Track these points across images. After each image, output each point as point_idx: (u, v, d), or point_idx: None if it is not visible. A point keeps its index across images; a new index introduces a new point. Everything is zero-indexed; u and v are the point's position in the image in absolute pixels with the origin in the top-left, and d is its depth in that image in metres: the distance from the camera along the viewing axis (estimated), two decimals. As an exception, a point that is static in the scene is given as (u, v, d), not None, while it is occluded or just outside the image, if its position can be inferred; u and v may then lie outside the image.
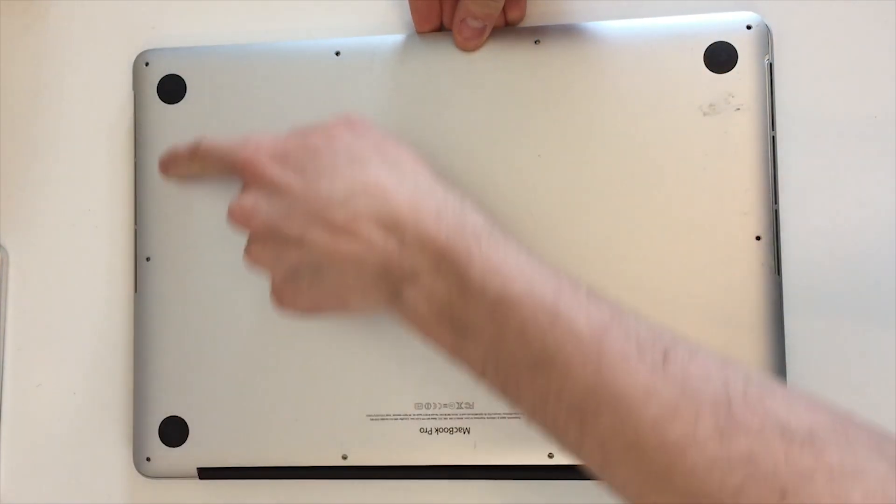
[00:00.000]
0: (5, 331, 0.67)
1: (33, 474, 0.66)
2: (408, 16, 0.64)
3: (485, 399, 0.60)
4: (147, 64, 0.65)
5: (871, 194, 0.61)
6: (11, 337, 0.67)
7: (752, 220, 0.58)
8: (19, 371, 0.67)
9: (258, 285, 0.62)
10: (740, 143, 0.59)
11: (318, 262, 0.53)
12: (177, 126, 0.64)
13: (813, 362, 0.60)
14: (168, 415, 0.62)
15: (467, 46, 0.62)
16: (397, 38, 0.63)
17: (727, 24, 0.60)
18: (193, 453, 0.62)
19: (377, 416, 0.60)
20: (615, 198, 0.60)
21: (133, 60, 0.66)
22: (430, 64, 0.62)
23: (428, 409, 0.60)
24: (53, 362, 0.67)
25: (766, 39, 0.60)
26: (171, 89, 0.64)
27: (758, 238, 0.58)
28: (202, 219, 0.63)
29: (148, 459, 0.63)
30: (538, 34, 0.62)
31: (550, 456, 0.59)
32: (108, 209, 0.67)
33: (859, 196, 0.61)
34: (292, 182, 0.54)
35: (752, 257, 0.58)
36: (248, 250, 0.56)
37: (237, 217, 0.55)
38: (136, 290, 0.64)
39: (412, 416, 0.60)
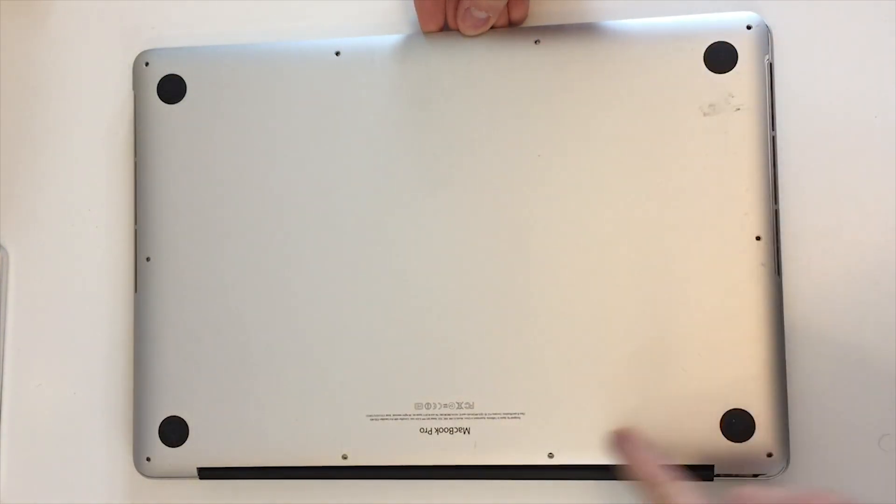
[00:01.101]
0: (5, 331, 0.67)
1: (33, 474, 0.66)
2: (409, 15, 0.64)
3: (485, 399, 0.60)
4: (147, 64, 0.65)
5: (871, 194, 0.61)
6: (11, 337, 0.67)
7: (752, 220, 0.58)
8: (19, 371, 0.67)
9: (258, 285, 0.62)
10: (740, 143, 0.59)
11: None
12: (177, 126, 0.64)
13: (813, 362, 0.60)
14: (168, 415, 0.62)
15: (469, 33, 0.62)
16: (398, 37, 0.63)
17: (727, 24, 0.60)
18: (193, 453, 0.62)
19: (377, 416, 0.60)
20: (615, 198, 0.60)
21: (133, 60, 0.66)
22: (430, 64, 0.62)
23: (428, 409, 0.60)
24: (53, 362, 0.67)
25: (766, 39, 0.60)
26: (171, 89, 0.64)
27: (758, 238, 0.58)
28: (202, 219, 0.63)
29: (148, 459, 0.63)
30: (538, 34, 0.62)
31: (550, 456, 0.59)
32: (108, 209, 0.67)
33: (859, 196, 0.61)
34: None
35: (752, 257, 0.58)
36: None
37: None
38: (136, 290, 0.64)
39: (412, 417, 0.60)
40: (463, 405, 0.60)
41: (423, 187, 0.61)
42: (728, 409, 0.57)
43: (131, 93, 0.66)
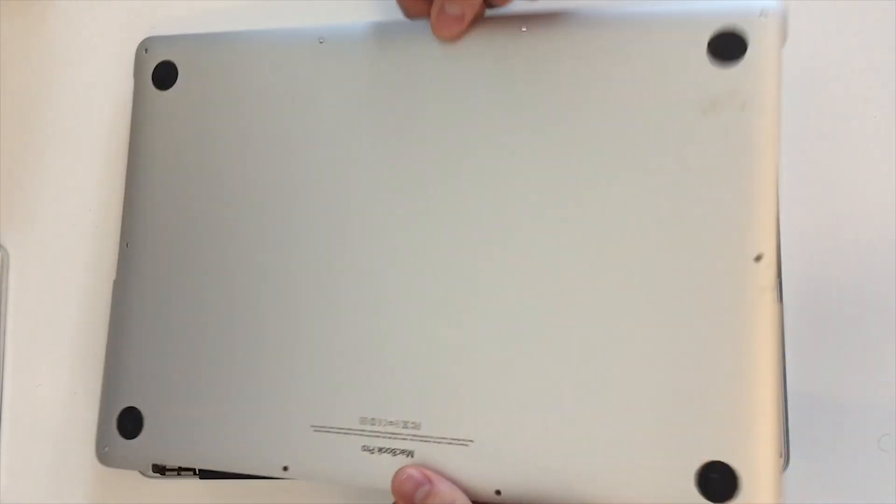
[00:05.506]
0: (5, 331, 0.68)
1: (33, 474, 0.67)
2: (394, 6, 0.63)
3: (432, 420, 0.55)
4: (146, 51, 0.65)
5: (871, 194, 0.61)
6: (11, 337, 0.68)
7: (752, 233, 0.52)
8: (19, 371, 0.68)
9: (225, 274, 0.60)
10: (743, 146, 0.52)
11: None
12: (167, 112, 0.64)
13: (813, 362, 0.60)
14: (127, 405, 0.61)
15: (444, 34, 0.58)
16: (382, 25, 0.61)
17: (737, 10, 0.53)
18: (146, 448, 0.60)
19: (322, 427, 0.57)
20: (601, 201, 0.54)
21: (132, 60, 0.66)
22: (415, 52, 0.59)
23: (373, 424, 0.56)
24: (53, 362, 0.68)
25: (782, 28, 0.52)
26: (164, 76, 0.64)
27: (758, 258, 0.52)
28: (181, 206, 0.62)
29: (106, 449, 0.61)
30: (525, 21, 0.57)
31: (498, 493, 0.54)
32: (109, 209, 0.68)
33: (859, 196, 0.61)
34: None
35: (751, 270, 0.52)
36: None
37: None
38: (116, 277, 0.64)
39: (356, 432, 0.56)
40: (409, 424, 0.55)
41: (403, 180, 0.58)
42: None
43: (131, 93, 0.66)
